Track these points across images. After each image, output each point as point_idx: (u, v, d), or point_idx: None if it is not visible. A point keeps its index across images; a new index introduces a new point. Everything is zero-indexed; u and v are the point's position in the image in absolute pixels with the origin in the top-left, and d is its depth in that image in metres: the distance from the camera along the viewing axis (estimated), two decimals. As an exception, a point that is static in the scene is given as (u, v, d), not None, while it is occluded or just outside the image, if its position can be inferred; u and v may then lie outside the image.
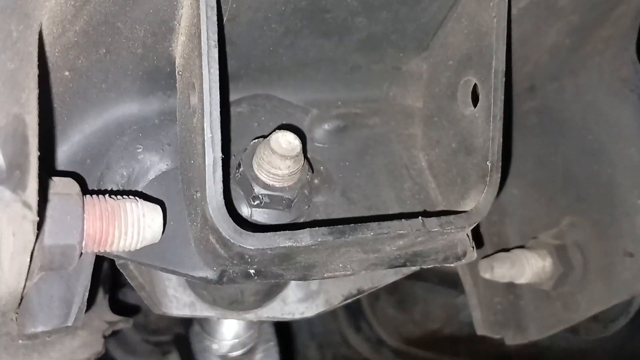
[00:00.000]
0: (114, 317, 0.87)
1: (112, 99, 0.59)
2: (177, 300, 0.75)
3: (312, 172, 0.62)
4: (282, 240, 0.52)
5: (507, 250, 0.83)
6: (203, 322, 0.83)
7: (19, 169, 0.36)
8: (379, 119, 0.69)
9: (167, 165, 0.61)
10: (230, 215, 0.52)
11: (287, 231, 0.53)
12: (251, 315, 0.77)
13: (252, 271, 0.57)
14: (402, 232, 0.56)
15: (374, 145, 0.68)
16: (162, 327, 1.65)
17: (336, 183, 0.65)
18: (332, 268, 0.60)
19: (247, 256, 0.53)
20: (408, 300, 1.58)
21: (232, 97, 0.65)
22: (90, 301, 0.60)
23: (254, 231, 0.52)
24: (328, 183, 0.65)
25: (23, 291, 0.49)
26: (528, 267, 0.79)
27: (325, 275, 0.59)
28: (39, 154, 0.40)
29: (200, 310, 0.75)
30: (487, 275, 0.79)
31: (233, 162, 0.61)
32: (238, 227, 0.51)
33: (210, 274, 0.58)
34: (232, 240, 0.51)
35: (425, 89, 0.67)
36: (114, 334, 1.63)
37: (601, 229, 0.79)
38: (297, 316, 0.79)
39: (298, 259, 0.56)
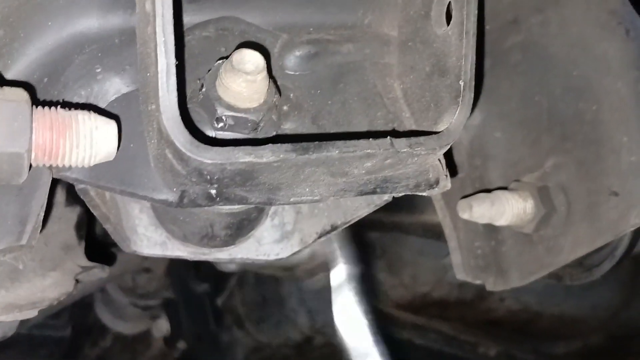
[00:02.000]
0: (89, 263, 0.86)
1: (70, 15, 0.57)
2: (147, 239, 0.73)
3: (280, 95, 0.60)
4: (241, 155, 0.50)
5: (487, 191, 0.81)
6: None
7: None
8: (353, 47, 0.66)
9: (127, 87, 0.59)
10: (190, 132, 0.50)
11: (247, 146, 0.51)
12: (224, 255, 0.75)
13: (213, 192, 0.55)
14: (369, 151, 0.53)
15: (347, 73, 0.66)
16: (151, 291, 1.64)
17: (307, 110, 0.63)
18: (299, 192, 0.58)
19: (205, 172, 0.51)
20: (397, 265, 1.57)
21: (198, 18, 0.62)
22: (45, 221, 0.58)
23: (211, 145, 0.50)
24: (298, 110, 0.63)
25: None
26: (508, 208, 0.77)
27: (291, 199, 0.58)
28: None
29: (172, 249, 0.73)
30: (465, 215, 0.77)
31: (199, 87, 0.59)
32: (194, 139, 0.49)
33: (170, 195, 0.56)
34: (188, 154, 0.49)
35: (401, 12, 0.64)
36: (103, 293, 1.63)
37: (586, 169, 0.77)
38: (272, 257, 0.77)
39: (261, 179, 0.54)
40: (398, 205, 1.14)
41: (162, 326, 1.67)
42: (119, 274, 1.50)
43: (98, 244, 1.21)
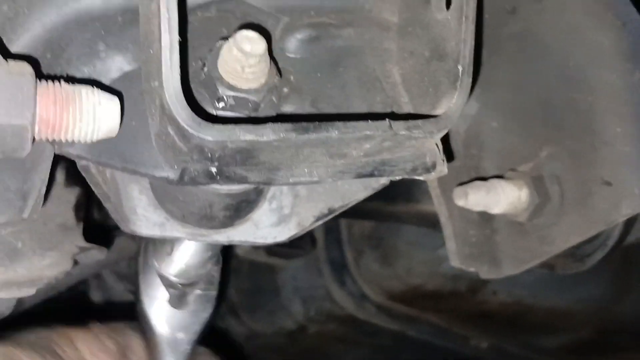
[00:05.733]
0: (87, 244, 0.87)
1: (73, -8, 0.58)
2: (146, 219, 0.73)
3: (280, 77, 0.60)
4: (242, 133, 0.51)
5: (483, 179, 0.82)
6: (157, 242, 0.82)
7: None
8: (354, 31, 0.67)
9: (130, 65, 0.59)
10: (192, 109, 0.50)
11: (248, 124, 0.52)
12: (222, 237, 0.76)
13: (213, 170, 0.55)
14: (368, 132, 0.54)
15: (347, 57, 0.66)
16: (146, 278, 1.65)
17: (306, 93, 0.64)
18: (298, 173, 0.58)
19: (206, 150, 0.52)
20: (392, 255, 1.58)
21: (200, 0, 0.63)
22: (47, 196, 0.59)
23: (213, 123, 0.51)
24: (298, 93, 0.63)
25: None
26: (503, 196, 0.78)
27: (290, 180, 0.58)
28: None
29: (171, 229, 0.74)
30: (461, 202, 0.78)
31: (200, 66, 0.59)
32: (196, 116, 0.50)
33: (171, 173, 0.57)
34: (190, 130, 0.50)
35: (401, -2, 0.65)
36: (98, 279, 1.63)
37: (579, 159, 0.78)
38: (270, 240, 0.77)
39: (261, 158, 0.55)
40: (395, 194, 1.15)
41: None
42: (115, 261, 1.51)
43: (96, 227, 1.21)
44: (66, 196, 0.86)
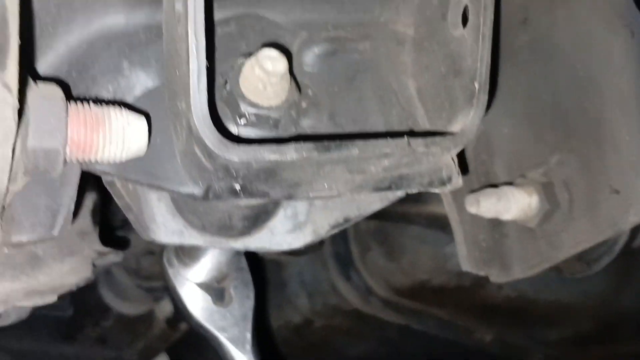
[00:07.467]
0: (104, 249, 0.88)
1: (97, 10, 0.59)
2: (165, 227, 0.75)
3: (300, 93, 0.62)
4: (267, 154, 0.52)
5: (494, 186, 0.83)
6: (178, 249, 0.83)
7: (-3, 49, 0.36)
8: (370, 45, 0.68)
9: (153, 82, 0.60)
10: (216, 128, 0.52)
11: (272, 145, 0.53)
12: (239, 245, 0.78)
13: (237, 187, 0.57)
14: (387, 150, 0.56)
15: (364, 71, 0.68)
16: (155, 273, 1.66)
17: (324, 107, 0.65)
18: (318, 188, 0.60)
19: (232, 169, 0.54)
20: (398, 251, 1.59)
21: (220, 15, 0.64)
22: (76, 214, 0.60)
23: (238, 143, 0.52)
24: (316, 107, 0.65)
25: (7, 195, 0.49)
26: (514, 203, 0.80)
27: (310, 194, 0.60)
28: (19, 42, 0.40)
29: (189, 237, 0.75)
30: (472, 210, 0.79)
31: (222, 83, 0.61)
32: (223, 138, 0.51)
33: (196, 189, 0.58)
34: (217, 152, 0.51)
35: (417, 13, 0.66)
36: (108, 274, 1.65)
37: (588, 166, 0.79)
38: (285, 247, 0.79)
39: (283, 176, 0.56)
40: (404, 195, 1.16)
41: (165, 307, 1.70)
42: (124, 256, 1.53)
43: (107, 228, 1.23)
44: (84, 202, 0.87)
